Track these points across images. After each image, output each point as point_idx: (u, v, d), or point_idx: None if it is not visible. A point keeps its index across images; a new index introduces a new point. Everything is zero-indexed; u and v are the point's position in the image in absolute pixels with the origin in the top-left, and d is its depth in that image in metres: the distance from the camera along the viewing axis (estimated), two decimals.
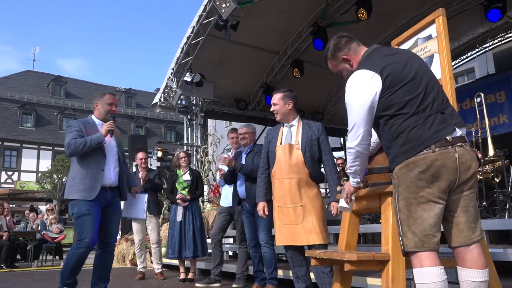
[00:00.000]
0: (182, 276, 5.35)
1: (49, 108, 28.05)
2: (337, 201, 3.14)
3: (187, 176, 5.41)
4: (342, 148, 12.83)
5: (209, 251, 5.37)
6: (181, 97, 9.44)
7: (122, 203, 3.99)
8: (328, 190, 3.65)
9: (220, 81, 9.91)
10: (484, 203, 5.12)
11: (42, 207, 16.01)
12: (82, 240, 3.28)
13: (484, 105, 5.60)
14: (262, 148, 3.64)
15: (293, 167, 3.22)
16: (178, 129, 30.45)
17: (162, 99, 9.62)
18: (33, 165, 25.88)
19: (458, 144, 1.88)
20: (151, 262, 6.20)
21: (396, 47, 2.85)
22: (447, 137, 1.87)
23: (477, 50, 11.70)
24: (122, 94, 31.96)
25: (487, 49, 11.82)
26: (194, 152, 9.85)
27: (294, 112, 3.40)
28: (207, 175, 8.75)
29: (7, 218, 9.05)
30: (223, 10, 7.40)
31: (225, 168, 4.46)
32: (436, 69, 2.47)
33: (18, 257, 9.43)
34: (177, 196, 5.29)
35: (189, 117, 10.24)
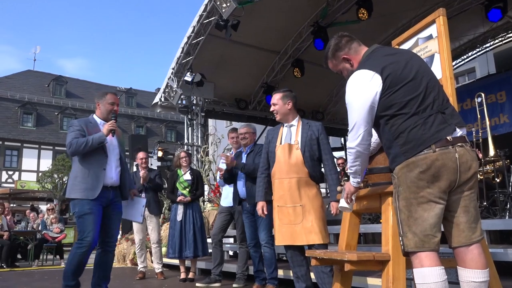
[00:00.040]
0: (182, 275, 5.35)
1: (49, 108, 28.06)
2: (337, 201, 3.14)
3: (187, 176, 5.41)
4: (343, 148, 12.83)
5: (210, 250, 5.37)
6: (182, 96, 9.45)
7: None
8: (328, 190, 3.65)
9: (221, 81, 9.91)
10: (485, 203, 5.12)
11: (43, 207, 16.04)
12: (84, 240, 3.28)
13: (484, 105, 5.60)
14: (262, 148, 3.64)
15: (292, 167, 3.22)
16: (178, 128, 30.45)
17: (162, 99, 9.64)
18: (34, 165, 25.90)
19: (459, 144, 1.88)
20: (152, 262, 6.20)
21: (397, 47, 2.84)
22: (448, 137, 1.87)
23: (477, 50, 11.71)
24: (122, 93, 31.95)
25: (487, 49, 11.82)
26: (195, 152, 9.86)
27: (293, 112, 3.40)
28: (208, 175, 8.75)
29: (8, 217, 9.06)
30: (223, 10, 7.40)
31: (225, 167, 4.46)
32: (437, 69, 2.47)
33: (19, 256, 9.44)
34: (178, 198, 5.29)
35: (189, 117, 10.25)
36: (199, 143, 10.02)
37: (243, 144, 4.46)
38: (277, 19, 8.76)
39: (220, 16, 7.66)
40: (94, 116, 3.63)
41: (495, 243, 4.24)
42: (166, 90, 9.24)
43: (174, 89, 9.03)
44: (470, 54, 11.82)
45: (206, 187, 7.89)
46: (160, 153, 10.72)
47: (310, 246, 3.13)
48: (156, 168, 8.09)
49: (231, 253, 6.93)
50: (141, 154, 5.87)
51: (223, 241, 5.15)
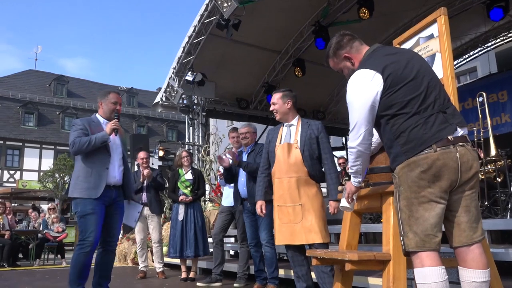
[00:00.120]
0: (183, 275, 5.36)
1: (51, 107, 28.09)
2: (336, 200, 3.14)
3: (189, 175, 5.42)
4: (344, 147, 12.83)
5: (211, 250, 5.38)
6: (183, 96, 9.46)
7: None
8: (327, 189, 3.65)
9: (222, 80, 9.91)
10: (486, 203, 5.11)
11: (44, 206, 16.03)
12: (86, 240, 3.28)
13: (486, 105, 5.58)
14: (263, 148, 3.64)
15: (292, 166, 3.22)
16: (179, 128, 30.47)
17: (164, 99, 9.65)
18: (35, 164, 25.93)
19: (460, 143, 1.87)
20: (153, 261, 6.21)
21: (398, 46, 2.84)
22: (449, 137, 1.86)
23: (479, 49, 11.68)
24: (124, 93, 31.94)
25: (489, 48, 11.80)
26: (196, 152, 9.86)
27: (293, 112, 3.40)
28: (209, 175, 8.76)
29: (9, 217, 9.07)
30: (224, 10, 7.40)
31: (230, 162, 4.44)
32: (438, 69, 2.46)
33: (20, 256, 9.46)
34: (180, 198, 5.29)
35: (190, 116, 10.25)
36: (200, 143, 10.02)
37: (244, 143, 4.46)
38: (278, 19, 8.76)
39: (221, 16, 7.66)
40: (97, 115, 3.63)
41: (496, 243, 4.23)
42: (167, 89, 9.25)
43: (175, 89, 9.03)
44: (471, 53, 11.80)
45: (207, 187, 7.89)
46: (161, 153, 10.75)
47: (311, 246, 3.13)
48: (157, 167, 8.10)
49: (232, 252, 6.93)
50: (142, 154, 5.87)
51: (224, 241, 5.15)
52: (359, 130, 2.00)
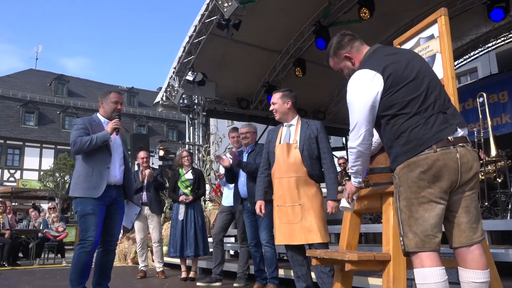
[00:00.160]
0: (183, 275, 5.36)
1: (51, 107, 28.09)
2: (334, 200, 3.15)
3: (189, 175, 5.42)
4: (344, 147, 12.83)
5: (211, 250, 5.38)
6: (183, 96, 9.46)
7: None
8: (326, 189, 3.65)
9: (222, 80, 9.91)
10: (486, 203, 5.11)
11: (44, 206, 16.03)
12: (86, 239, 3.28)
13: (486, 105, 5.57)
14: (263, 148, 3.64)
15: (291, 166, 3.22)
16: (180, 128, 30.47)
17: (164, 98, 9.65)
18: (36, 164, 25.93)
19: (460, 144, 1.87)
20: (153, 261, 6.21)
21: (398, 46, 2.84)
22: (449, 137, 1.86)
23: (480, 49, 11.68)
24: (124, 93, 31.94)
25: (490, 49, 11.79)
26: (196, 151, 9.86)
27: (293, 111, 3.40)
28: (209, 174, 8.76)
29: (9, 216, 9.07)
30: (225, 9, 7.40)
31: (230, 161, 4.44)
32: (438, 69, 2.46)
33: (20, 255, 9.46)
34: (181, 198, 5.29)
35: (191, 116, 10.25)
36: (201, 143, 10.02)
37: (244, 143, 4.46)
38: (278, 19, 8.76)
39: (222, 16, 7.67)
40: (98, 114, 3.63)
41: (496, 244, 4.23)
42: (168, 89, 9.25)
43: (176, 89, 9.03)
44: (472, 54, 11.80)
45: (207, 187, 7.89)
46: (161, 152, 10.75)
47: (311, 246, 3.13)
48: (157, 167, 8.11)
49: (232, 252, 6.93)
50: (142, 154, 5.87)
51: (224, 241, 5.15)
52: (359, 130, 2.00)
